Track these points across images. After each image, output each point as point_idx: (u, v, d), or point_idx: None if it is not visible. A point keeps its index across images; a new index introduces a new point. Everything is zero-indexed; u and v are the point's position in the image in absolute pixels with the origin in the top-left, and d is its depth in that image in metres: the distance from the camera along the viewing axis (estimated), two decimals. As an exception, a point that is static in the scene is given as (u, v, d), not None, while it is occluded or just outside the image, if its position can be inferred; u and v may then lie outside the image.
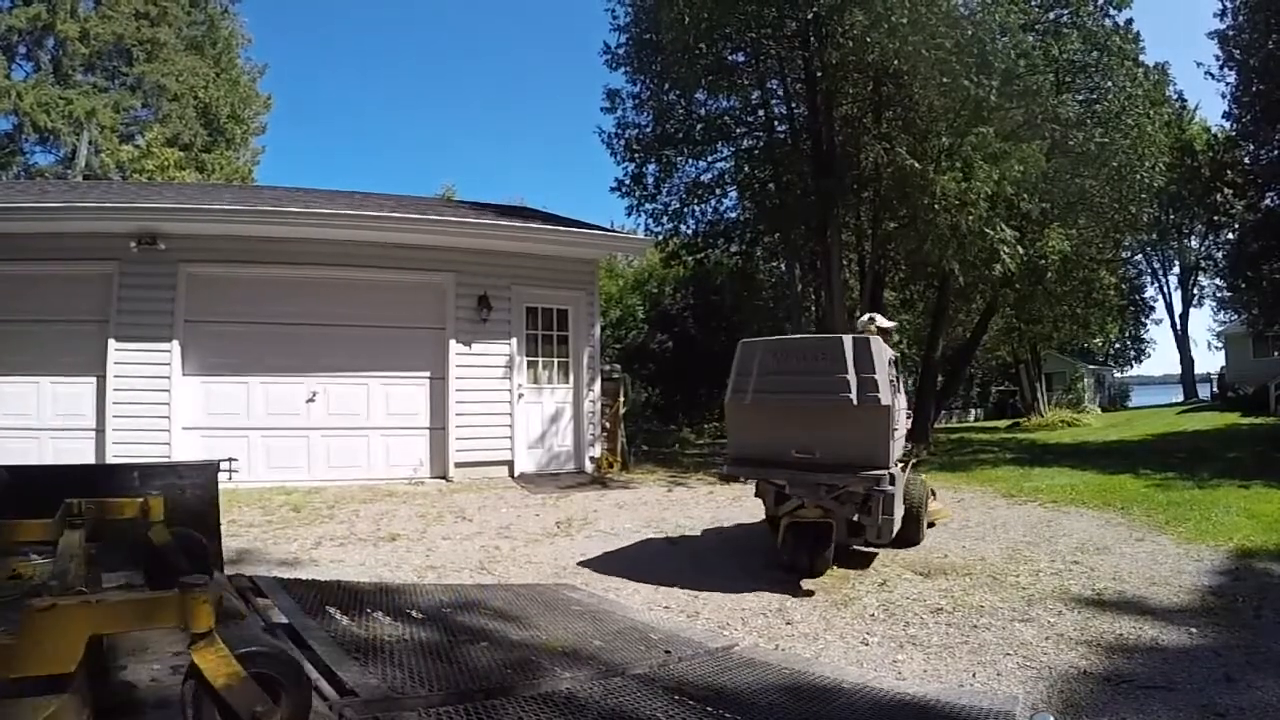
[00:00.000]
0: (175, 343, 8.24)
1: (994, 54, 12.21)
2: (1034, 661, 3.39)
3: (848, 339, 4.80)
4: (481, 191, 67.46)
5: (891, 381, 4.82)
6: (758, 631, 3.88)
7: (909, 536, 5.59)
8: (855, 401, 4.61)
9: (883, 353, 4.82)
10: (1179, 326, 38.73)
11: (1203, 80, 54.02)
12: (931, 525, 6.15)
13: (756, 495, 5.40)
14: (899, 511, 5.13)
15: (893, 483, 4.77)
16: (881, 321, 6.07)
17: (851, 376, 4.65)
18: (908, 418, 6.05)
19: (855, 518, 4.83)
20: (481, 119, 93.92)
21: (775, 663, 3.37)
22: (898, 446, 5.18)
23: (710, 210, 18.20)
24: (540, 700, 2.64)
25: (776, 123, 17.14)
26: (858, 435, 4.70)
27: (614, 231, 13.66)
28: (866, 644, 3.68)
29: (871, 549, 5.24)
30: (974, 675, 3.26)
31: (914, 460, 6.63)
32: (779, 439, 5.00)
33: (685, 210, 17.64)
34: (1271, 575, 4.68)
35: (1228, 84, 20.06)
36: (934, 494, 6.55)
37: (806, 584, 4.71)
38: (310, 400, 8.68)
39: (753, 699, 2.88)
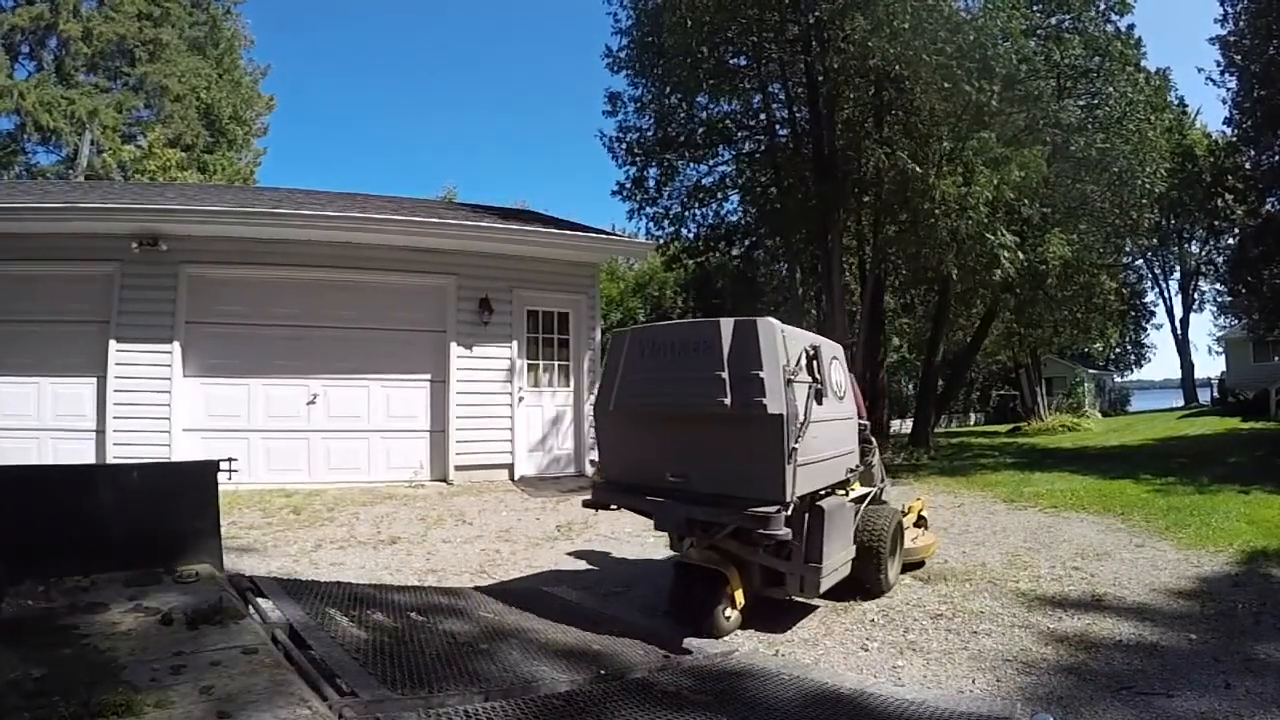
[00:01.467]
0: (176, 344, 8.24)
1: (995, 59, 12.21)
2: (1033, 667, 3.38)
3: (727, 322, 3.73)
4: (483, 194, 67.75)
5: (816, 382, 3.77)
6: (756, 637, 3.87)
7: (867, 584, 4.42)
8: (730, 408, 3.55)
9: (780, 342, 3.64)
10: (1179, 331, 38.78)
11: (1203, 85, 54.18)
12: (919, 564, 5.17)
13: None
14: (841, 555, 4.06)
15: (814, 520, 3.77)
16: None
17: (726, 374, 3.58)
18: (864, 432, 4.88)
19: (771, 564, 3.92)
20: (483, 121, 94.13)
21: (774, 668, 3.37)
22: (829, 470, 4.06)
23: (711, 214, 18.24)
24: (540, 702, 2.64)
25: (778, 126, 17.16)
26: (737, 455, 3.65)
27: (615, 235, 13.68)
28: (866, 649, 3.68)
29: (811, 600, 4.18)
30: (973, 681, 3.26)
31: (882, 486, 5.33)
32: (651, 458, 4.01)
33: (686, 214, 17.66)
34: (1271, 581, 4.68)
35: (1229, 89, 20.09)
36: (923, 522, 5.62)
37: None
38: (311, 402, 8.68)
39: (752, 704, 2.88)
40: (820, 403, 3.81)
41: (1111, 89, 14.55)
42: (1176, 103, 24.63)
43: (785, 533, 3.45)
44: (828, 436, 3.98)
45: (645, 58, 16.06)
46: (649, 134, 17.13)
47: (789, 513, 3.50)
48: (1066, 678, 3.26)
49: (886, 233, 15.38)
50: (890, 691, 3.10)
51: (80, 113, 21.98)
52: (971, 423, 34.14)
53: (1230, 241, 30.17)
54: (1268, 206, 21.34)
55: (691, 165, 17.54)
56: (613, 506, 4.34)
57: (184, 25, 24.90)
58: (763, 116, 17.21)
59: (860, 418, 4.84)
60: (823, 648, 3.71)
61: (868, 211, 15.89)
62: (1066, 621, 4.02)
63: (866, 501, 4.74)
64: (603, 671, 3.09)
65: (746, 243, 18.72)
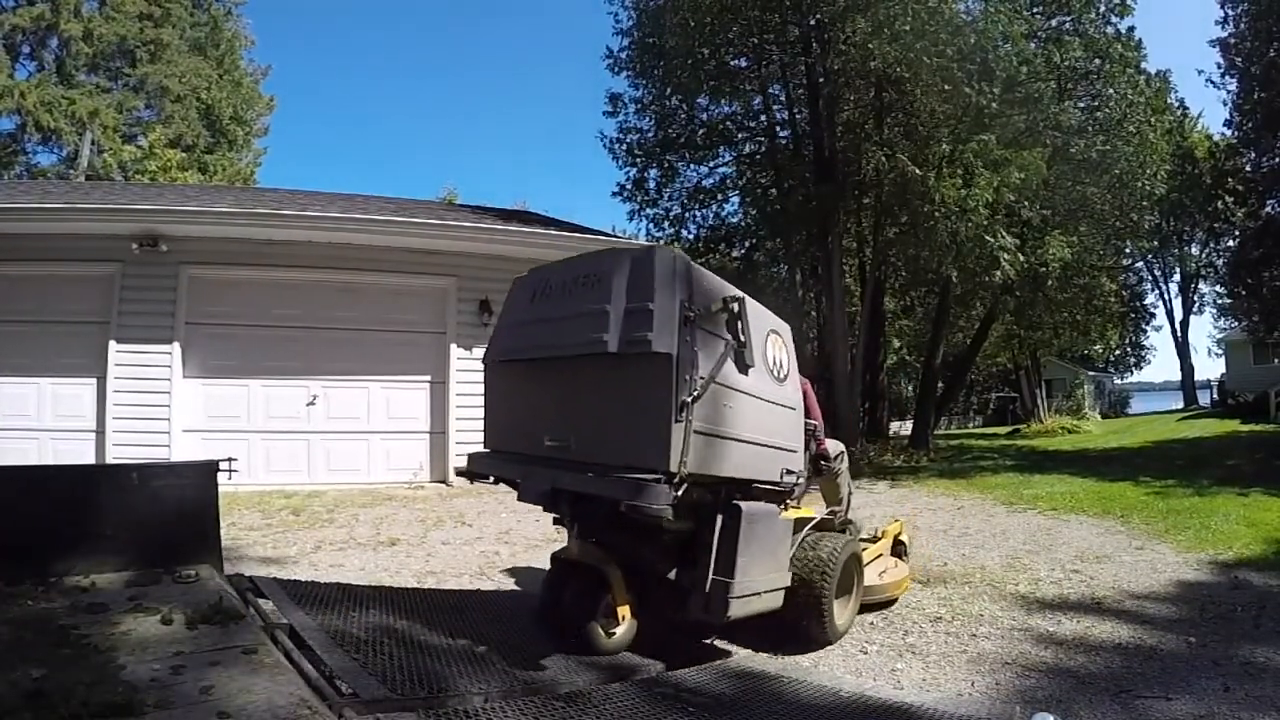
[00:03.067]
0: (176, 344, 8.24)
1: (996, 61, 12.23)
2: (1033, 671, 3.39)
3: (625, 252, 3.18)
4: (483, 195, 67.73)
5: (736, 341, 3.06)
6: (753, 643, 3.87)
7: (805, 628, 3.59)
8: (611, 346, 2.88)
9: (683, 276, 2.92)
10: (1179, 333, 38.76)
11: (1203, 87, 54.18)
12: (889, 603, 4.32)
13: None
14: (765, 577, 3.25)
15: (728, 523, 3.05)
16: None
17: (613, 308, 2.94)
18: (814, 433, 4.06)
19: (668, 569, 3.28)
20: (484, 122, 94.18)
21: (773, 671, 3.37)
22: (752, 459, 3.25)
23: (711, 215, 18.30)
24: (541, 704, 2.65)
25: (778, 128, 17.19)
26: (620, 411, 2.99)
27: (616, 236, 13.68)
28: (865, 652, 3.67)
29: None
30: (973, 684, 3.26)
31: (841, 511, 4.47)
32: (532, 420, 3.41)
33: (687, 215, 17.72)
34: (1271, 585, 4.68)
35: (1229, 91, 20.14)
36: (902, 550, 4.79)
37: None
38: (311, 403, 8.69)
39: (752, 707, 2.88)
40: (744, 371, 3.13)
41: (1112, 91, 14.58)
42: (1177, 105, 24.66)
43: (662, 509, 2.70)
44: (753, 418, 3.19)
45: (646, 59, 16.09)
46: (649, 135, 17.18)
47: (677, 492, 2.76)
48: (1065, 680, 3.27)
49: (886, 235, 15.40)
50: (890, 694, 3.11)
51: (81, 113, 21.99)
52: (971, 425, 34.14)
53: (1230, 244, 30.21)
54: (1268, 209, 21.37)
55: (692, 167, 17.59)
56: (490, 478, 3.73)
57: (185, 26, 24.92)
58: (763, 118, 17.24)
59: (811, 418, 4.01)
60: (821, 650, 3.70)
61: (868, 213, 15.92)
62: (1066, 624, 4.02)
63: (812, 524, 3.89)
64: (605, 673, 3.09)
65: (747, 244, 18.76)
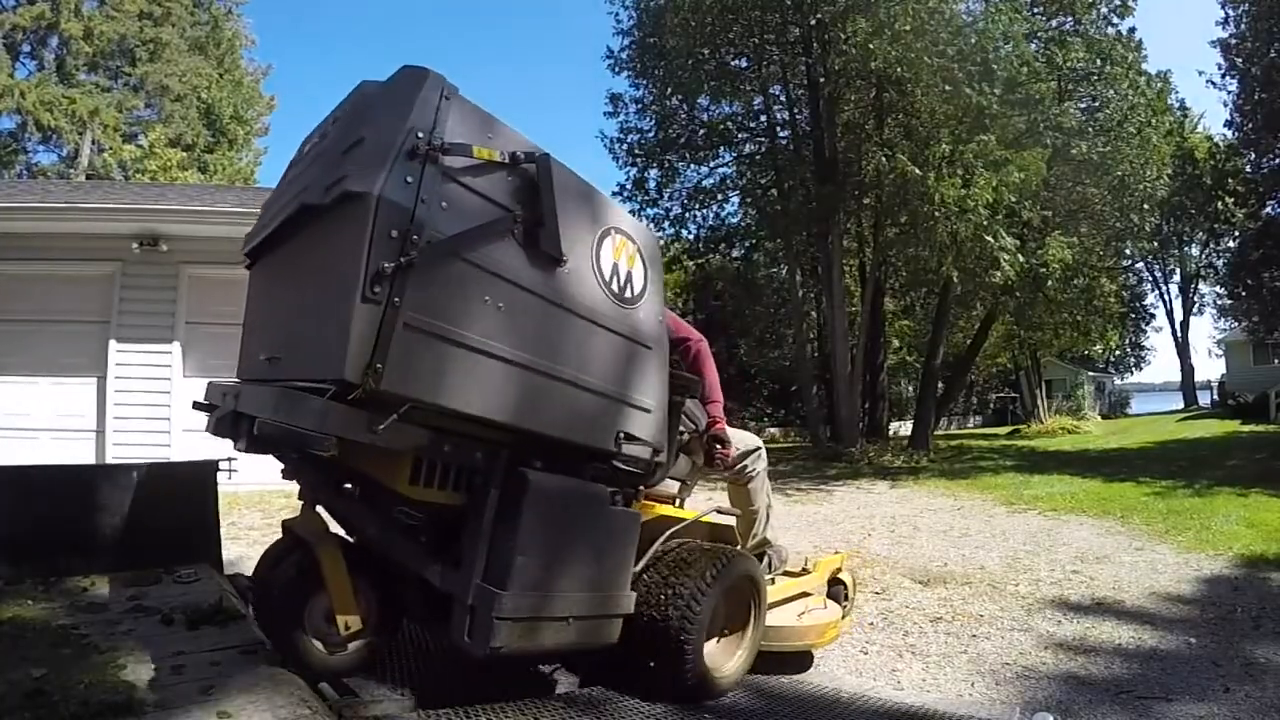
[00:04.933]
0: (176, 344, 8.24)
1: (996, 62, 12.25)
2: (1033, 671, 3.39)
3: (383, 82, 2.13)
4: (483, 194, 67.53)
5: (522, 215, 2.05)
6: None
7: (661, 671, 2.51)
8: (315, 198, 1.96)
9: (428, 101, 1.93)
10: (1179, 334, 38.79)
11: (1203, 88, 54.19)
12: (804, 654, 3.37)
13: None
14: (573, 595, 2.21)
15: (507, 500, 2.08)
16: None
17: (338, 149, 2.06)
18: (694, 427, 2.91)
19: (419, 568, 2.22)
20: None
21: (773, 671, 3.36)
22: (539, 398, 2.10)
23: (712, 215, 18.33)
24: (540, 704, 2.65)
25: (779, 128, 17.21)
26: (311, 290, 2.11)
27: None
28: (865, 653, 3.68)
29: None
30: (973, 685, 3.26)
31: (759, 533, 3.32)
32: (260, 326, 2.56)
33: (687, 215, 17.74)
34: (1271, 585, 4.68)
35: (1229, 92, 20.19)
36: (842, 592, 3.63)
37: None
38: (311, 402, 8.67)
39: (750, 708, 2.88)
40: (540, 265, 2.08)
41: (1113, 92, 14.61)
42: (1177, 106, 24.68)
43: (319, 439, 1.77)
44: (553, 336, 2.13)
45: (646, 59, 16.12)
46: (650, 135, 17.19)
47: (384, 424, 1.82)
48: (1065, 681, 3.27)
49: (887, 235, 15.42)
50: (890, 695, 3.10)
51: (81, 112, 22.00)
52: (971, 425, 34.14)
53: (1230, 244, 30.21)
54: (1268, 210, 21.39)
55: (692, 167, 17.62)
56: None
57: (185, 25, 24.93)
58: (763, 118, 17.27)
59: (706, 387, 2.91)
60: (821, 650, 3.70)
61: (868, 214, 15.94)
62: (1066, 625, 4.02)
63: (678, 528, 2.77)
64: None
65: (747, 245, 18.80)
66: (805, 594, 3.37)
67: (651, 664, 2.53)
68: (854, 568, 4.14)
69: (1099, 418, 28.35)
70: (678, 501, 3.05)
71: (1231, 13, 19.31)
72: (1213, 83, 20.78)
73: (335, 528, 2.52)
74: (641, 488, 2.58)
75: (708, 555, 2.65)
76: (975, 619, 4.15)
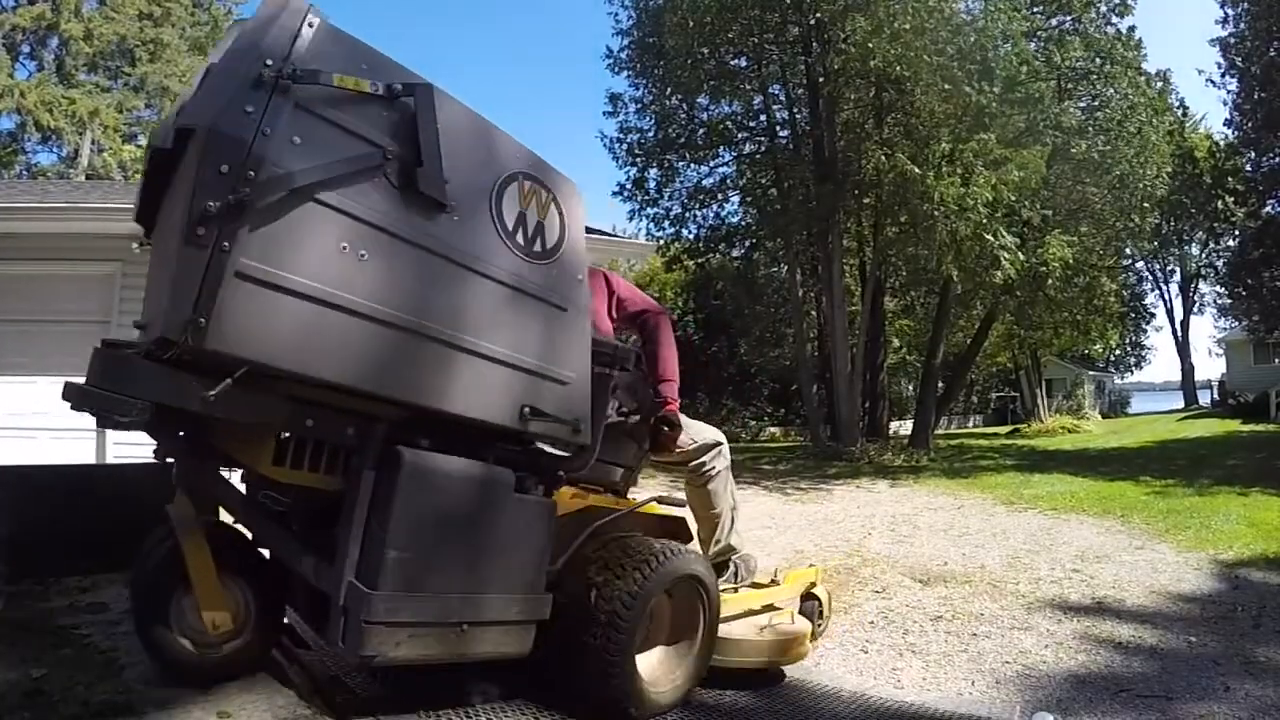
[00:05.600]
0: (176, 344, 8.23)
1: (996, 61, 12.25)
2: (1033, 670, 3.39)
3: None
4: (483, 194, 67.57)
5: (396, 152, 1.79)
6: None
7: (587, 687, 2.23)
8: (166, 141, 1.70)
9: (285, 31, 1.69)
10: (1180, 333, 38.80)
11: (1203, 87, 54.21)
12: (773, 674, 3.00)
13: None
14: (471, 600, 1.97)
15: (382, 482, 1.81)
16: None
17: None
18: (635, 406, 2.65)
19: (287, 559, 2.05)
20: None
21: (772, 671, 3.36)
22: (412, 362, 1.83)
23: (712, 215, 18.29)
24: (540, 704, 2.65)
25: (778, 128, 17.20)
26: (163, 250, 1.91)
27: (616, 236, 13.67)
28: (865, 652, 3.67)
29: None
30: (973, 684, 3.26)
31: (721, 539, 3.06)
32: (146, 296, 2.21)
33: (687, 215, 17.69)
34: (1271, 584, 4.68)
35: (1229, 91, 20.21)
36: (815, 608, 3.37)
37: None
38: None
39: (751, 707, 2.88)
40: (420, 212, 1.83)
41: (1112, 91, 14.60)
42: (1177, 105, 24.69)
43: (124, 406, 1.59)
44: (431, 289, 1.86)
45: (646, 58, 16.11)
46: (650, 135, 17.17)
47: (214, 390, 1.60)
48: (1066, 680, 3.27)
49: (886, 234, 15.41)
50: (890, 694, 3.10)
51: (81, 112, 21.99)
52: (971, 424, 34.13)
53: (1230, 244, 30.24)
54: (1268, 209, 21.40)
55: (692, 166, 17.59)
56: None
57: (185, 25, 24.92)
58: (763, 118, 17.25)
59: (660, 368, 2.71)
60: (821, 650, 3.69)
61: (868, 213, 15.93)
62: (1066, 624, 4.02)
63: (606, 520, 2.41)
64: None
65: (747, 244, 18.76)
66: (771, 607, 3.05)
67: (582, 678, 2.22)
68: (831, 587, 3.82)
69: (1099, 417, 28.36)
70: (624, 492, 2.71)
71: (1231, 12, 19.33)
72: (1212, 82, 20.79)
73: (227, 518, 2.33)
74: (562, 473, 2.26)
75: (643, 551, 2.29)
76: (975, 618, 4.14)
